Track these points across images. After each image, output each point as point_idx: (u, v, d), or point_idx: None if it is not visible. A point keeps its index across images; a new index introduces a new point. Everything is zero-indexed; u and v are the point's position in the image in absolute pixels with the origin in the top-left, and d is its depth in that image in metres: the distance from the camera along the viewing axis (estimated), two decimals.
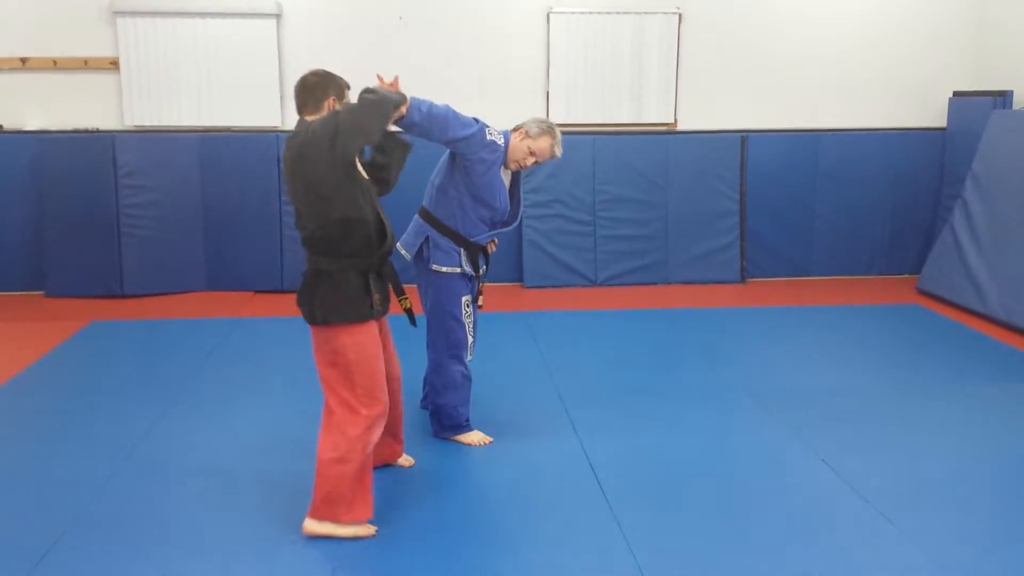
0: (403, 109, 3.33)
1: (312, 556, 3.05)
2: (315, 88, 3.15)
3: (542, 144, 3.82)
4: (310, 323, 3.14)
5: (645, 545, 3.11)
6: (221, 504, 3.43)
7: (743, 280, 7.49)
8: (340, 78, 3.23)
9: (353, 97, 3.14)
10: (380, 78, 3.49)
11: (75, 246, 6.80)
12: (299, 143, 3.03)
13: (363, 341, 3.13)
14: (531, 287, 7.23)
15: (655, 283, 7.38)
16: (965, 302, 6.47)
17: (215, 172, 6.95)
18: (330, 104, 3.15)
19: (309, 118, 3.13)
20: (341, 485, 3.10)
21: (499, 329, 5.87)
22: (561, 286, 7.27)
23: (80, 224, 6.79)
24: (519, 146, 3.81)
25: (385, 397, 3.20)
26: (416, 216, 3.93)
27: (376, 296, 3.14)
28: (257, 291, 7.04)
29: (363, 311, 3.11)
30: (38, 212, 6.83)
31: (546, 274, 7.29)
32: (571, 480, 3.67)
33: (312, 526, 3.15)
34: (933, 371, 5.14)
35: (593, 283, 7.33)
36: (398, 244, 3.76)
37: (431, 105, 3.46)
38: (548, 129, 3.84)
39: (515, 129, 3.88)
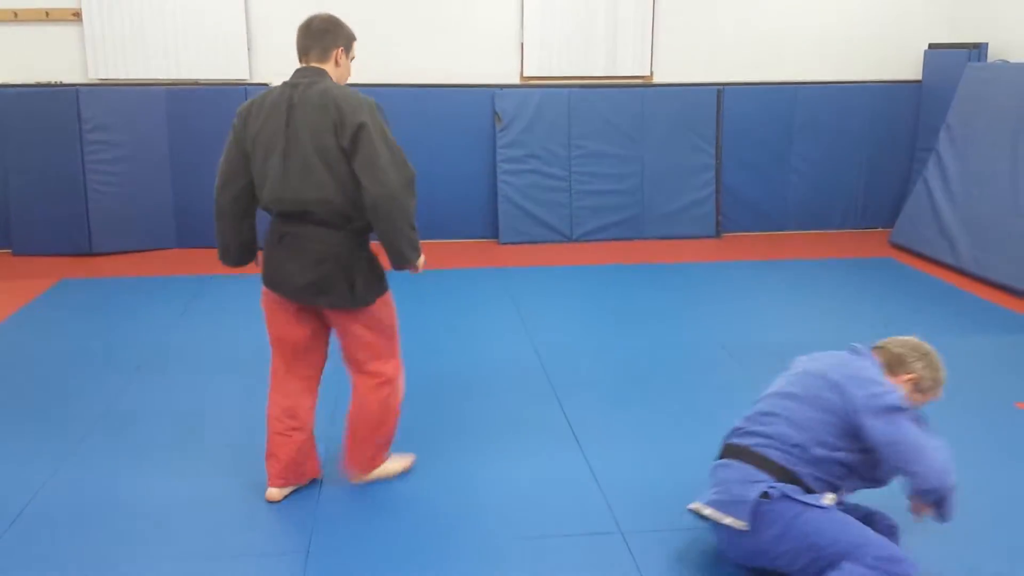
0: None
1: (290, 519, 3.04)
2: (323, 35, 2.94)
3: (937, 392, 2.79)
4: (350, 307, 2.94)
5: (621, 497, 3.14)
6: (194, 467, 3.41)
7: (718, 235, 7.50)
8: (348, 27, 3.00)
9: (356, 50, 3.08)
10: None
11: (42, 203, 6.66)
12: (336, 96, 2.80)
13: (391, 300, 3.11)
14: (506, 243, 7.18)
15: (631, 238, 7.36)
16: (938, 255, 6.51)
17: (183, 126, 6.81)
18: (338, 55, 2.96)
19: (316, 65, 2.94)
20: (393, 431, 3.20)
21: (475, 285, 5.85)
22: (536, 242, 7.24)
23: (46, 181, 6.64)
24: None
25: None
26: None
27: None
28: None
29: (385, 276, 3.07)
30: (2, 168, 6.67)
31: (521, 230, 7.24)
32: (550, 438, 3.67)
33: (365, 476, 3.22)
34: (906, 324, 5.15)
35: (568, 239, 7.30)
36: (710, 511, 2.62)
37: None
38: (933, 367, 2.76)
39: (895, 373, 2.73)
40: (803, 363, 2.80)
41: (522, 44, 7.22)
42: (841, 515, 2.51)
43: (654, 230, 7.40)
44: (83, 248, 6.72)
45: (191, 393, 4.09)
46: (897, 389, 2.57)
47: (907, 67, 7.67)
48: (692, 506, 2.70)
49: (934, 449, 2.45)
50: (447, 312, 5.29)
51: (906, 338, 2.79)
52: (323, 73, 2.93)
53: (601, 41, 7.25)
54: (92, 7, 6.68)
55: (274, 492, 3.12)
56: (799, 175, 7.62)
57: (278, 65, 7.00)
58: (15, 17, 6.69)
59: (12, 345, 4.77)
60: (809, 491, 2.53)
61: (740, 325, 5.13)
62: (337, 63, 2.98)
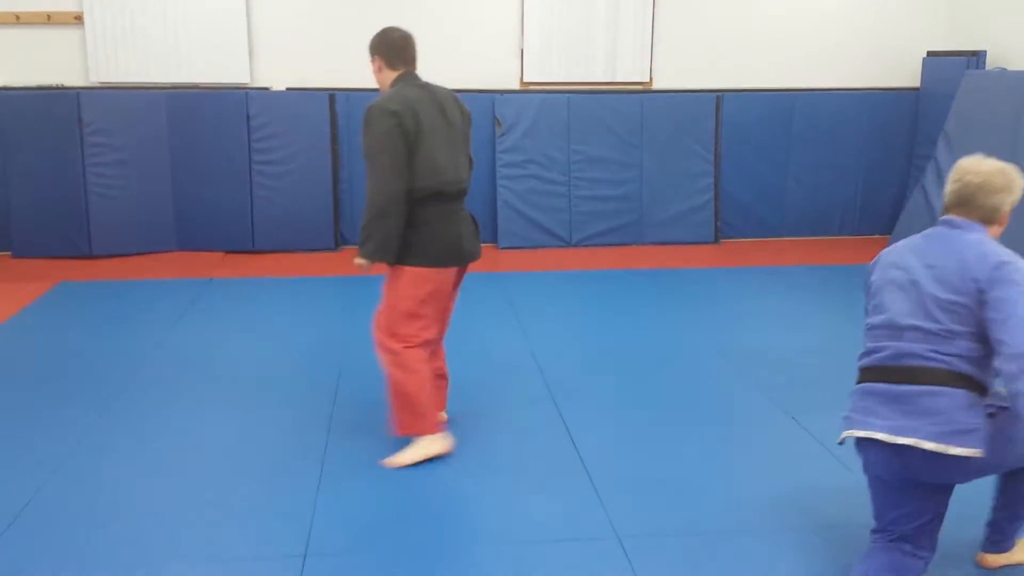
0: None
1: (287, 521, 3.05)
2: (414, 47, 3.45)
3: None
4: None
5: (618, 502, 3.15)
6: (191, 469, 3.42)
7: (717, 241, 7.52)
8: None
9: None
10: None
11: (42, 206, 6.69)
12: (454, 94, 3.49)
13: None
14: (505, 248, 7.21)
15: (629, 244, 7.38)
16: None
17: (183, 130, 6.83)
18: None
19: (414, 71, 3.45)
20: None
21: (474, 291, 5.84)
22: (536, 247, 7.26)
23: (46, 183, 6.66)
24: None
25: None
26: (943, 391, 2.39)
27: None
28: (228, 251, 6.98)
29: None
30: (2, 171, 6.69)
31: (521, 235, 7.27)
32: (546, 442, 3.69)
33: None
34: None
35: (568, 244, 7.32)
36: (933, 444, 2.35)
37: None
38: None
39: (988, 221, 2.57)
40: (917, 269, 2.50)
41: (522, 50, 7.24)
42: None
43: (653, 235, 7.42)
44: (83, 251, 6.74)
45: (188, 396, 4.10)
46: (1014, 259, 2.40)
47: (905, 74, 7.70)
48: (904, 440, 2.37)
49: None
50: None
51: (973, 173, 2.54)
52: None
53: (601, 47, 7.28)
54: (93, 10, 6.71)
55: (444, 437, 3.48)
56: (798, 182, 7.64)
57: (279, 69, 7.07)
58: (17, 20, 6.72)
59: (11, 347, 4.78)
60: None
61: (738, 331, 5.15)
62: None
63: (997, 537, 2.74)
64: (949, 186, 2.59)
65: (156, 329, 5.03)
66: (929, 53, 7.53)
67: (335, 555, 2.82)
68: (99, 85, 6.85)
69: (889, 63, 7.68)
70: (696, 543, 2.90)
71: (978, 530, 2.82)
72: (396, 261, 3.32)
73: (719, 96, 7.38)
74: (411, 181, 3.25)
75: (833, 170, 7.64)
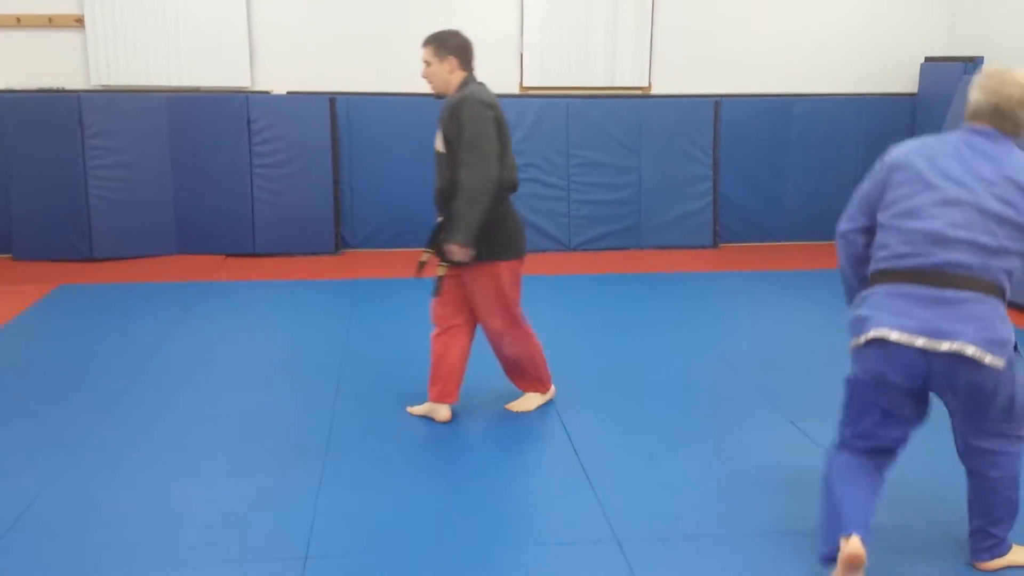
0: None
1: (288, 523, 3.07)
2: None
3: None
4: None
5: (617, 505, 3.16)
6: (191, 472, 3.43)
7: (715, 245, 7.54)
8: None
9: None
10: None
11: (42, 208, 6.70)
12: None
13: None
14: None
15: (628, 248, 7.40)
16: None
17: (184, 133, 6.84)
18: None
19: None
20: None
21: None
22: (535, 251, 7.26)
23: (47, 186, 6.68)
24: None
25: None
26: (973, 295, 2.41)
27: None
28: (228, 254, 6.98)
29: None
30: (3, 173, 6.70)
31: None
32: (546, 445, 3.70)
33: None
34: None
35: (567, 248, 7.34)
36: (974, 350, 2.36)
37: None
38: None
39: None
40: (970, 182, 2.45)
41: (522, 54, 7.26)
42: None
43: (651, 240, 7.44)
44: (84, 253, 6.75)
45: (189, 399, 4.11)
46: None
47: (903, 80, 7.72)
48: (946, 346, 2.37)
49: None
50: None
51: (1012, 84, 2.50)
52: None
53: (600, 52, 7.30)
54: (95, 13, 6.73)
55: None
56: (796, 186, 7.66)
57: (280, 72, 7.08)
58: (18, 23, 6.73)
59: (11, 350, 4.79)
60: None
61: (736, 335, 5.16)
62: None
63: (989, 543, 2.74)
64: (982, 95, 2.53)
65: (156, 332, 5.04)
66: (927, 59, 7.55)
67: (335, 557, 2.83)
68: (100, 88, 6.87)
69: (887, 68, 7.70)
70: (695, 546, 2.92)
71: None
72: (493, 257, 3.52)
73: (717, 101, 7.41)
74: (501, 172, 3.45)
75: (831, 174, 7.66)
